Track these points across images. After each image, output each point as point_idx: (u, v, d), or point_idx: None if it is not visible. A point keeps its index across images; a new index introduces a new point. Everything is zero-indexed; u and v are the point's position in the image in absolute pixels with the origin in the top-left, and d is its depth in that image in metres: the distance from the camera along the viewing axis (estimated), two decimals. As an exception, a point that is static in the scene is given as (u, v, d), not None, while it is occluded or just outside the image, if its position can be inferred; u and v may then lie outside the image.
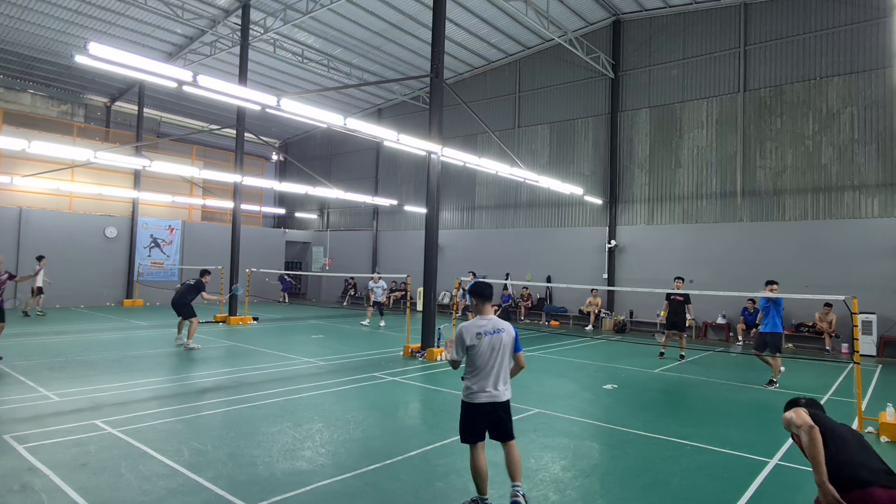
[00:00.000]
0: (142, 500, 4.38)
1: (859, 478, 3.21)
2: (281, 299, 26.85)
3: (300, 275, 31.12)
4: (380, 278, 17.52)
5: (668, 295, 12.27)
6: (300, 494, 4.58)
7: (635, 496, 4.78)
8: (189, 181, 24.37)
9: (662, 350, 12.57)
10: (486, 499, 4.33)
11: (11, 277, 10.77)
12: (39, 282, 17.10)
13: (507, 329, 4.47)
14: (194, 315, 12.08)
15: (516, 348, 4.50)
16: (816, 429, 3.39)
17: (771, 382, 9.69)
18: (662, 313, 12.63)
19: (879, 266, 14.30)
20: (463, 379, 4.44)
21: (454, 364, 4.52)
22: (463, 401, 4.40)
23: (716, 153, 17.19)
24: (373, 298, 17.50)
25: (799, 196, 15.73)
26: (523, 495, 4.27)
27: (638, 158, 18.81)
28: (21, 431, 5.96)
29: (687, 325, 12.52)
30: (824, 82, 15.50)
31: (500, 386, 4.36)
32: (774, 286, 9.79)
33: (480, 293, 4.51)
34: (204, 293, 12.32)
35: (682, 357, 12.31)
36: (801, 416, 3.50)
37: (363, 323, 17.65)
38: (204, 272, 12.64)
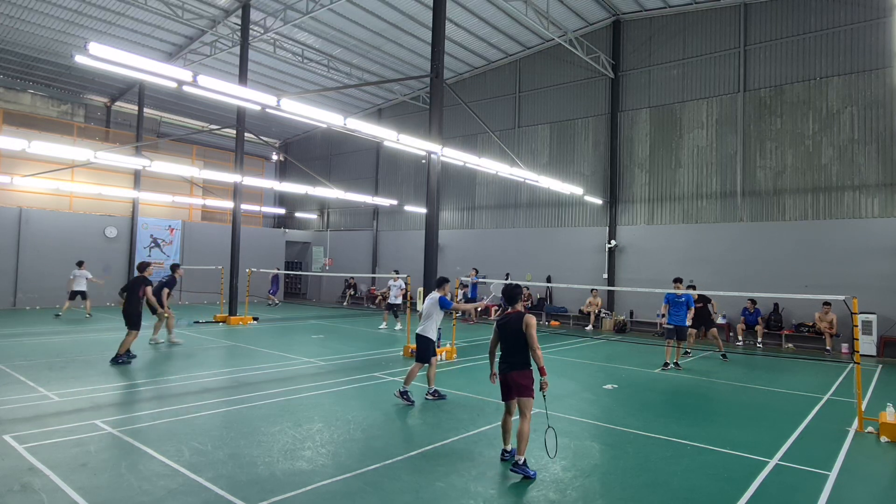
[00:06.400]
0: (142, 500, 4.38)
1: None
2: (270, 303, 24.46)
3: (300, 274, 31.10)
4: (398, 277, 15.81)
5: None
6: (300, 494, 4.58)
7: (635, 496, 4.79)
8: (189, 181, 24.37)
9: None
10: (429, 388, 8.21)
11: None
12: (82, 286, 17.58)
13: (432, 296, 8.18)
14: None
15: (441, 306, 8.14)
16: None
17: (666, 365, 11.25)
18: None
19: (879, 266, 14.30)
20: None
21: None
22: None
23: (716, 153, 17.19)
24: (388, 300, 16.45)
25: (799, 196, 15.73)
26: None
27: (638, 158, 18.80)
28: (21, 431, 5.96)
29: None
30: (824, 82, 15.50)
31: (421, 325, 8.15)
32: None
33: (442, 282, 8.39)
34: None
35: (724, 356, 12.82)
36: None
37: (380, 327, 16.58)
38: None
